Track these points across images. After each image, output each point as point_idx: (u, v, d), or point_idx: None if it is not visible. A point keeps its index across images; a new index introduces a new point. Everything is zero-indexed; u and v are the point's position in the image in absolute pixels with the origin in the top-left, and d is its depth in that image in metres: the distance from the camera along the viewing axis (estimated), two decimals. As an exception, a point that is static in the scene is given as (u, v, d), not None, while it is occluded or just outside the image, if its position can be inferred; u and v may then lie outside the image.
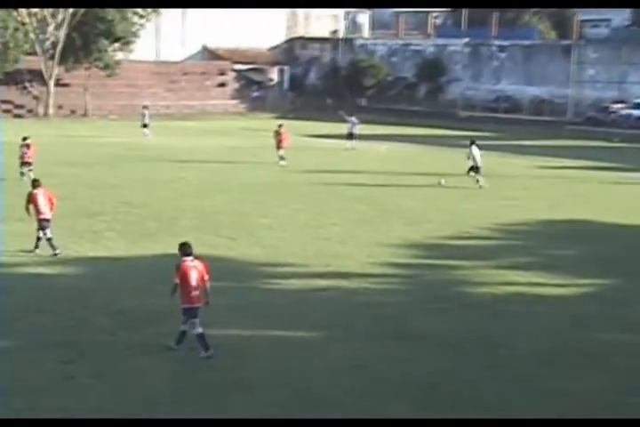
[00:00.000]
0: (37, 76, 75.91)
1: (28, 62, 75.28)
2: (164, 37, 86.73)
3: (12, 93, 76.16)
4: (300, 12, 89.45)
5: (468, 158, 34.73)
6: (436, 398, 12.71)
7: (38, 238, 20.89)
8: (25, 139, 34.31)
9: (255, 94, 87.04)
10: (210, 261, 20.43)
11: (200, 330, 14.10)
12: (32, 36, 73.37)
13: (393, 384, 13.16)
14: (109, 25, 74.00)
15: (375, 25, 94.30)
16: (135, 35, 76.82)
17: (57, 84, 75.25)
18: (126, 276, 19.00)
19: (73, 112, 75.00)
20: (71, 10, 71.44)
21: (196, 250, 21.30)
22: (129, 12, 75.33)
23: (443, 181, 34.14)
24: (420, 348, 14.92)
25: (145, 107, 59.66)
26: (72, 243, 21.97)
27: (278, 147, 40.23)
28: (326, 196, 31.19)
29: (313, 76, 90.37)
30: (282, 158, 39.41)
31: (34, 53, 74.37)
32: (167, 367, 13.48)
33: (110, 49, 76.38)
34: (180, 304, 14.28)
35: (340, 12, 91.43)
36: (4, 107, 73.96)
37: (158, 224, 24.82)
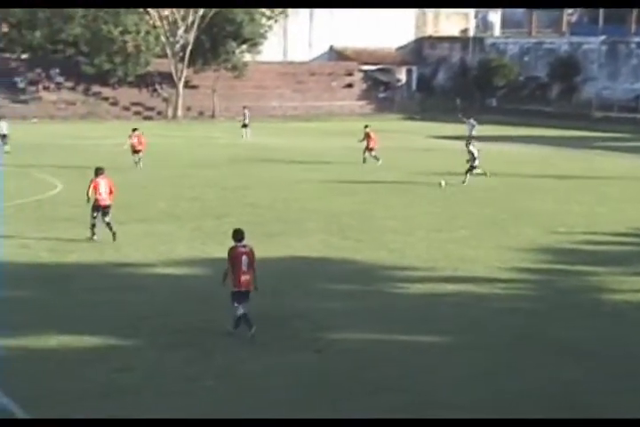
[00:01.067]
0: (167, 79, 77.72)
1: (158, 65, 77.21)
2: (291, 38, 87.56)
3: (142, 96, 78.21)
4: (430, 11, 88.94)
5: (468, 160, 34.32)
6: (566, 408, 12.40)
7: (93, 225, 22.29)
8: (134, 130, 38.69)
9: (382, 95, 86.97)
10: (336, 264, 20.62)
11: (243, 311, 14.69)
12: (163, 39, 75.17)
13: (522, 393, 12.92)
14: (237, 27, 75.17)
15: (506, 23, 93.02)
16: (263, 36, 77.81)
17: (186, 86, 76.85)
18: (252, 277, 19.20)
19: (201, 114, 76.49)
20: (201, 12, 72.83)
21: (323, 252, 21.58)
22: (257, 13, 76.34)
23: (443, 183, 33.16)
24: (551, 356, 14.62)
25: (245, 107, 60.60)
26: (200, 244, 22.38)
27: (368, 148, 40.51)
28: (453, 198, 30.93)
29: (441, 77, 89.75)
30: (376, 159, 39.80)
31: (164, 56, 76.20)
32: (290, 369, 13.58)
33: (238, 51, 77.58)
34: (230, 288, 14.81)
35: (471, 10, 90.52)
36: (135, 109, 76.02)
37: (284, 226, 25.05)
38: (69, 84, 77.54)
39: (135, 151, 38.17)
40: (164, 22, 74.44)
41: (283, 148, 48.24)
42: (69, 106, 74.61)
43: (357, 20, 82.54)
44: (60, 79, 77.52)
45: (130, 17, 72.98)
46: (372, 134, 40.87)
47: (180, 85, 75.90)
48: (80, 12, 76.13)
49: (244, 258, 14.85)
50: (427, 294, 18.06)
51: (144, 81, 78.33)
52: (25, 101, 74.17)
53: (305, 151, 46.14)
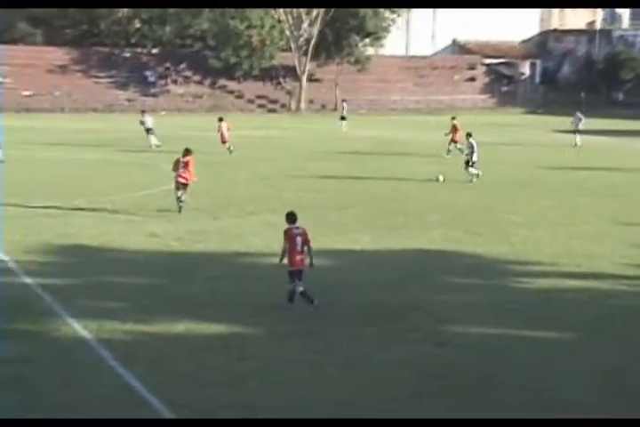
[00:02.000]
0: (290, 72, 78.32)
1: (282, 59, 77.84)
2: (414, 32, 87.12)
3: (266, 89, 79.02)
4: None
5: (467, 153, 32.96)
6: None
7: (178, 199, 24.98)
8: (221, 119, 41.40)
9: (505, 89, 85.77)
10: (456, 257, 20.43)
11: (302, 288, 15.59)
12: (287, 33, 75.72)
13: (648, 392, 12.53)
14: (361, 21, 75.14)
15: (636, 15, 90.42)
16: (386, 30, 77.63)
17: (309, 79, 77.30)
18: (373, 269, 19.21)
19: (323, 107, 76.86)
20: (324, 6, 72.94)
21: (444, 245, 21.41)
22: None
23: (441, 178, 32.13)
24: (678, 355, 14.14)
25: (344, 100, 60.75)
26: (320, 235, 22.42)
27: (453, 140, 40.20)
28: (577, 193, 30.28)
29: (566, 70, 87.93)
30: (461, 151, 39.09)
31: (288, 50, 76.77)
32: (411, 361, 13.49)
33: (361, 44, 77.59)
34: (287, 267, 15.72)
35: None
36: (259, 102, 76.87)
37: (405, 219, 24.95)
38: (197, 77, 78.93)
39: (224, 142, 40.32)
40: (289, 17, 74.96)
41: (403, 141, 48.05)
42: (196, 99, 75.97)
43: (481, 13, 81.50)
44: (187, 73, 78.95)
45: (255, 12, 73.73)
46: (458, 126, 40.48)
47: (304, 79, 76.38)
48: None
49: (299, 239, 15.86)
50: (549, 290, 17.71)
51: (268, 74, 79.11)
52: (154, 95, 75.85)
53: (425, 144, 45.86)
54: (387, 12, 76.56)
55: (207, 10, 76.12)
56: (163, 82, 77.09)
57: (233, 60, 75.71)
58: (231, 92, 77.78)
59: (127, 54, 79.98)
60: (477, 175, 32.39)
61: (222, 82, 78.17)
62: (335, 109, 74.17)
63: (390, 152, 41.87)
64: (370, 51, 78.89)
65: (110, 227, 22.92)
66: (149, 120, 43.82)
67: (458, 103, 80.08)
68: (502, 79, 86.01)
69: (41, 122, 59.52)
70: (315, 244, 21.19)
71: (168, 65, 79.01)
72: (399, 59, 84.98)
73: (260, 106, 76.53)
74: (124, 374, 12.45)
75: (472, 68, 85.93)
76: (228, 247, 20.90)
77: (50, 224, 23.14)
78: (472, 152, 32.65)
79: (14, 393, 11.74)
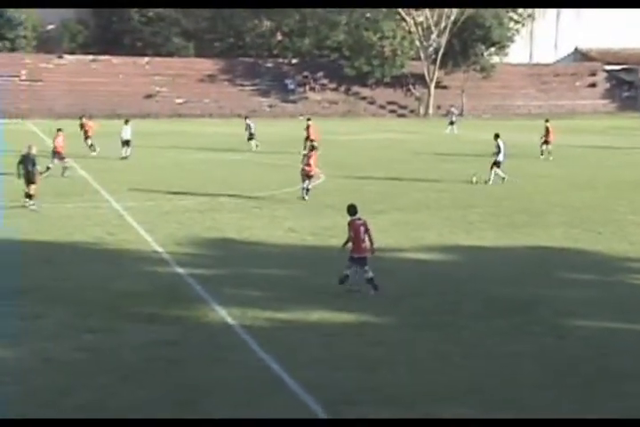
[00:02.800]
0: (420, 79, 77.93)
1: (411, 67, 77.54)
2: (537, 41, 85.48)
3: (397, 95, 78.87)
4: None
5: (494, 153, 31.36)
6: None
7: (304, 188, 27.04)
8: (309, 119, 41.70)
9: (626, 94, 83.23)
10: (576, 254, 19.89)
11: (371, 274, 15.94)
12: (417, 43, 75.42)
13: None
14: (486, 31, 74.26)
15: None
16: (510, 39, 76.51)
17: (437, 86, 76.77)
18: (497, 265, 18.88)
19: (450, 112, 76.22)
20: (452, 18, 72.46)
21: (564, 243, 20.87)
22: (505, 17, 75.08)
23: (474, 179, 30.95)
24: None
25: (452, 106, 60.33)
26: (448, 232, 22.26)
27: (546, 142, 39.76)
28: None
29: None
30: (548, 153, 39.18)
31: (417, 59, 76.42)
32: (534, 353, 13.18)
33: (486, 53, 76.67)
34: (350, 254, 16.05)
35: None
36: (390, 107, 76.78)
37: (528, 217, 24.44)
38: (332, 85, 79.40)
39: (307, 139, 39.73)
40: (419, 28, 74.63)
41: (526, 144, 47.12)
42: (332, 105, 76.42)
43: (604, 20, 79.23)
44: (324, 81, 79.53)
45: (388, 24, 73.75)
46: (550, 129, 39.67)
47: (432, 86, 75.91)
48: (344, 19, 77.74)
49: (362, 229, 16.15)
50: (668, 287, 17.04)
51: (399, 82, 78.92)
52: (294, 101, 76.70)
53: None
54: (511, 23, 75.44)
55: (343, 22, 76.58)
56: (301, 89, 77.87)
57: (366, 68, 75.87)
58: (364, 98, 77.91)
59: (269, 64, 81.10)
60: (503, 179, 31.15)
61: (356, 89, 78.37)
62: (461, 115, 73.45)
63: (510, 154, 41.09)
64: (495, 59, 77.81)
65: (253, 222, 23.24)
66: (253, 125, 43.99)
67: (579, 108, 78.11)
68: (623, 85, 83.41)
69: (192, 126, 60.93)
70: (444, 241, 21.09)
71: (306, 74, 79.73)
72: (523, 66, 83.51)
73: (391, 111, 76.41)
74: (265, 358, 12.59)
75: (593, 74, 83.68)
76: (361, 242, 20.85)
77: (199, 219, 23.63)
78: (498, 152, 31.52)
79: (168, 372, 12.01)
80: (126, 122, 39.36)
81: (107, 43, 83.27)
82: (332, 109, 75.60)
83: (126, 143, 38.28)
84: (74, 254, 19.17)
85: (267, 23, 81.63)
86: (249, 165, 37.17)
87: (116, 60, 79.06)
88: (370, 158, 39.80)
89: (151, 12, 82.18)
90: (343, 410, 10.73)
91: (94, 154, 38.67)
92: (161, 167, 35.94)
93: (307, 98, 77.29)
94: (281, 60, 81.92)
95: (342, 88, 78.90)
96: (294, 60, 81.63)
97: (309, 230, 22.21)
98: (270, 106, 75.73)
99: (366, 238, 16.16)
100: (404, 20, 74.69)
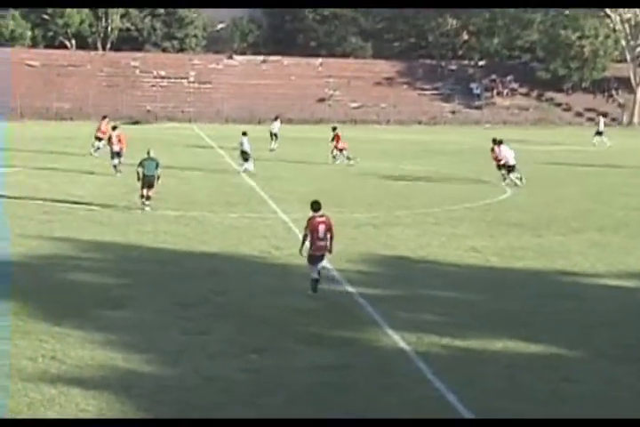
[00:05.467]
0: (624, 84, 75.77)
1: (614, 70, 75.53)
2: None
3: (596, 101, 77.01)
4: None
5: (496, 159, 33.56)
6: None
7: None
8: (334, 128, 42.62)
9: None
10: None
11: (317, 276, 17.15)
12: (622, 42, 73.39)
13: None
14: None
15: None
16: None
17: (645, 91, 74.37)
18: None
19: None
20: None
21: None
22: None
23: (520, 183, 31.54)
24: None
25: (600, 115, 58.82)
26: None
27: None
28: None
29: None
30: None
31: (622, 60, 74.37)
32: None
33: None
34: (309, 253, 17.13)
35: None
36: (588, 115, 74.98)
37: None
38: (523, 89, 78.48)
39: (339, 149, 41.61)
40: (626, 25, 72.61)
41: None
42: (521, 111, 75.51)
43: None
44: (514, 85, 78.66)
45: (590, 21, 72.20)
46: None
47: (638, 91, 73.63)
48: (538, 17, 76.77)
49: (322, 227, 17.13)
50: None
51: (599, 86, 77.08)
52: (479, 107, 76.24)
53: None
54: None
55: (537, 20, 75.59)
56: (488, 94, 77.32)
57: (562, 71, 74.53)
58: (558, 104, 76.53)
59: (453, 66, 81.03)
60: (520, 179, 33.48)
61: (550, 94, 77.12)
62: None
63: None
64: None
65: (430, 240, 23.27)
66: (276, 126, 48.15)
67: None
68: None
69: (366, 133, 61.60)
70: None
71: (494, 77, 79.13)
72: None
73: (589, 119, 74.62)
74: (441, 388, 12.60)
75: None
76: (550, 265, 20.53)
77: (372, 234, 23.88)
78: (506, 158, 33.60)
79: (335, 398, 12.21)
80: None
81: (278, 43, 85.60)
82: (522, 117, 74.64)
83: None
84: (239, 267, 19.78)
85: (452, 22, 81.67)
86: (428, 176, 37.22)
87: (287, 60, 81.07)
88: (564, 171, 39.04)
89: (327, 11, 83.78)
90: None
91: (96, 155, 40.33)
92: (331, 176, 36.53)
93: (494, 104, 76.67)
94: (466, 61, 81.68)
95: (534, 93, 77.79)
96: (481, 62, 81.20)
97: (493, 250, 22.04)
98: (453, 112, 75.58)
99: (327, 237, 17.18)
100: (607, 16, 72.90)
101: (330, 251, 17.43)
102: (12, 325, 14.90)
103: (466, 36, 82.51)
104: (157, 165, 26.81)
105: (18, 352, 13.56)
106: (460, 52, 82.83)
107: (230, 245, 22.01)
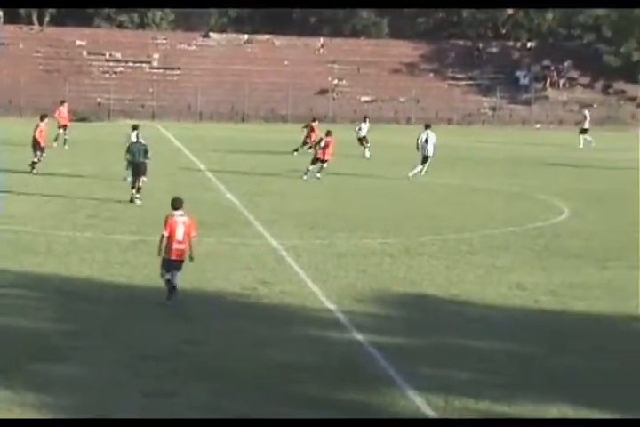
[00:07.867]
0: None
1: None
2: None
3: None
4: None
5: (417, 148, 38.11)
6: None
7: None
8: (314, 120, 48.74)
9: None
10: None
11: (169, 277, 19.11)
12: None
13: None
14: None
15: None
16: None
17: None
18: None
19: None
20: None
21: None
22: None
23: None
24: None
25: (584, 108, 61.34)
26: None
27: None
28: None
29: None
30: None
31: None
32: None
33: None
34: (164, 256, 19.00)
35: None
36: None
37: None
38: (585, 79, 78.69)
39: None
40: None
41: None
42: (583, 108, 75.64)
43: None
44: (573, 74, 78.84)
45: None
46: None
47: None
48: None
49: (180, 227, 18.86)
50: None
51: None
52: (527, 102, 76.41)
53: None
54: None
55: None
56: (539, 85, 77.54)
57: (636, 55, 74.78)
58: (632, 99, 76.73)
59: (494, 49, 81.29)
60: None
61: (620, 85, 77.33)
62: None
63: None
64: None
65: (464, 273, 23.30)
66: (365, 128, 50.11)
67: None
68: None
69: (382, 135, 61.58)
70: None
71: (547, 63, 79.37)
72: None
73: (671, 118, 74.92)
74: (477, 467, 12.61)
75: None
76: (621, 308, 20.54)
77: (388, 266, 23.89)
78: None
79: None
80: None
81: (268, 18, 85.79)
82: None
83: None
84: (216, 309, 19.77)
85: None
86: (464, 191, 37.28)
87: (279, 40, 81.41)
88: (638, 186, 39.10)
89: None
90: None
91: (66, 147, 47.84)
92: (334, 191, 36.56)
93: (546, 97, 76.94)
94: (511, 42, 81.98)
95: (599, 84, 78.06)
96: (530, 44, 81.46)
97: (545, 288, 22.06)
98: (493, 108, 75.79)
99: (186, 240, 18.92)
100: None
101: (191, 258, 19.18)
102: None
103: (510, 11, 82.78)
104: (146, 151, 29.29)
105: None
106: (503, 31, 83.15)
107: (204, 279, 22.01)
